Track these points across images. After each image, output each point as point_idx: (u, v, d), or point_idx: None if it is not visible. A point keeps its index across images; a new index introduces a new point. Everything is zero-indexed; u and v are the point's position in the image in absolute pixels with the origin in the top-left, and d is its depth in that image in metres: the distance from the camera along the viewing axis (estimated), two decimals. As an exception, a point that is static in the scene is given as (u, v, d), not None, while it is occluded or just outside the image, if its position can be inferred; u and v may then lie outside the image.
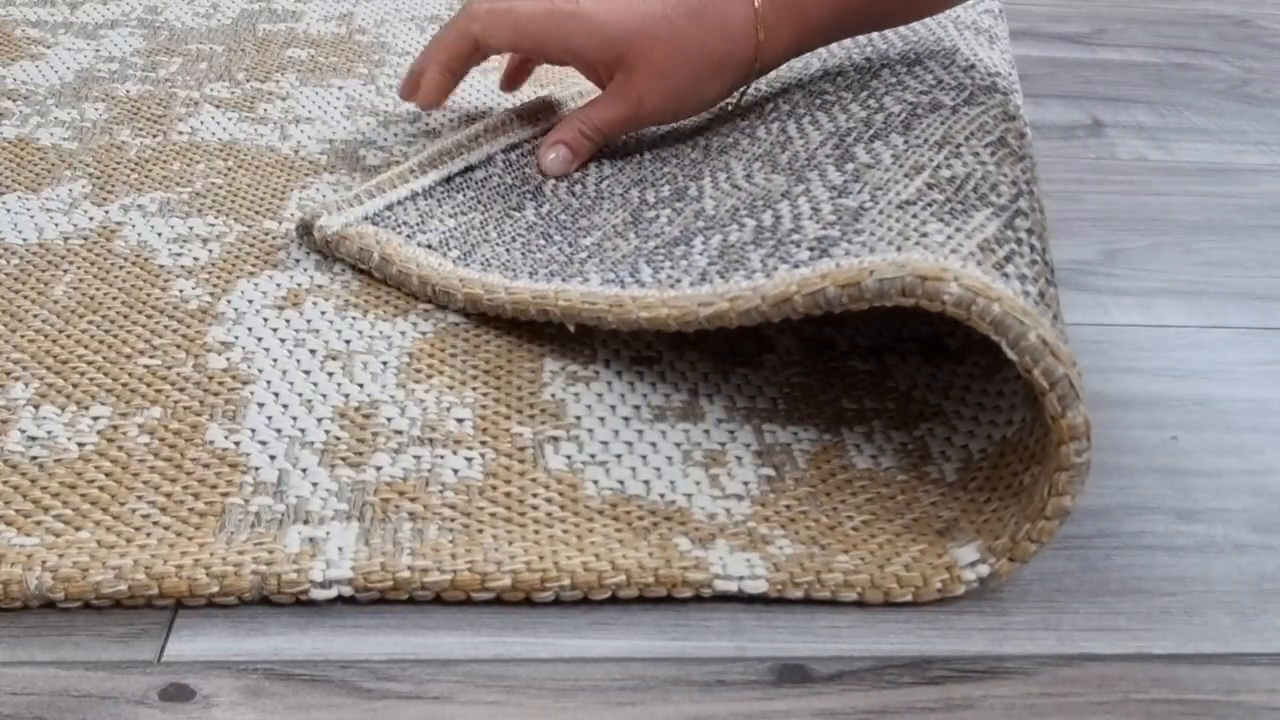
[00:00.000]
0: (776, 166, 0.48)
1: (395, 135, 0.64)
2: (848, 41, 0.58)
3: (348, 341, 0.45)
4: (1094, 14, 0.93)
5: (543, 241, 0.49)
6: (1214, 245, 0.58)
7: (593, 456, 0.40)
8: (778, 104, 0.55)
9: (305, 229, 0.49)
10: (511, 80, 0.63)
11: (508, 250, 0.48)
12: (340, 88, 0.69)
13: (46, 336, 0.44)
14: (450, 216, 0.50)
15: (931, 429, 0.42)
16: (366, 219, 0.49)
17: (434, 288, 0.46)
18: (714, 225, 0.44)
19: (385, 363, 0.44)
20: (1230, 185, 0.65)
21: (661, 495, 0.38)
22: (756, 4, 0.51)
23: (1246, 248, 0.58)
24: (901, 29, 0.58)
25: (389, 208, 0.50)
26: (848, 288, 0.35)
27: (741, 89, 0.55)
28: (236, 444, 0.39)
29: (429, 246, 0.48)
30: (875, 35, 0.58)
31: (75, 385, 0.42)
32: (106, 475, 0.38)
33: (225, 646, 0.33)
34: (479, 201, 0.51)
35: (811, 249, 0.39)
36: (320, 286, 0.49)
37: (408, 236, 0.48)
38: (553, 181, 0.55)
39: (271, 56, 0.74)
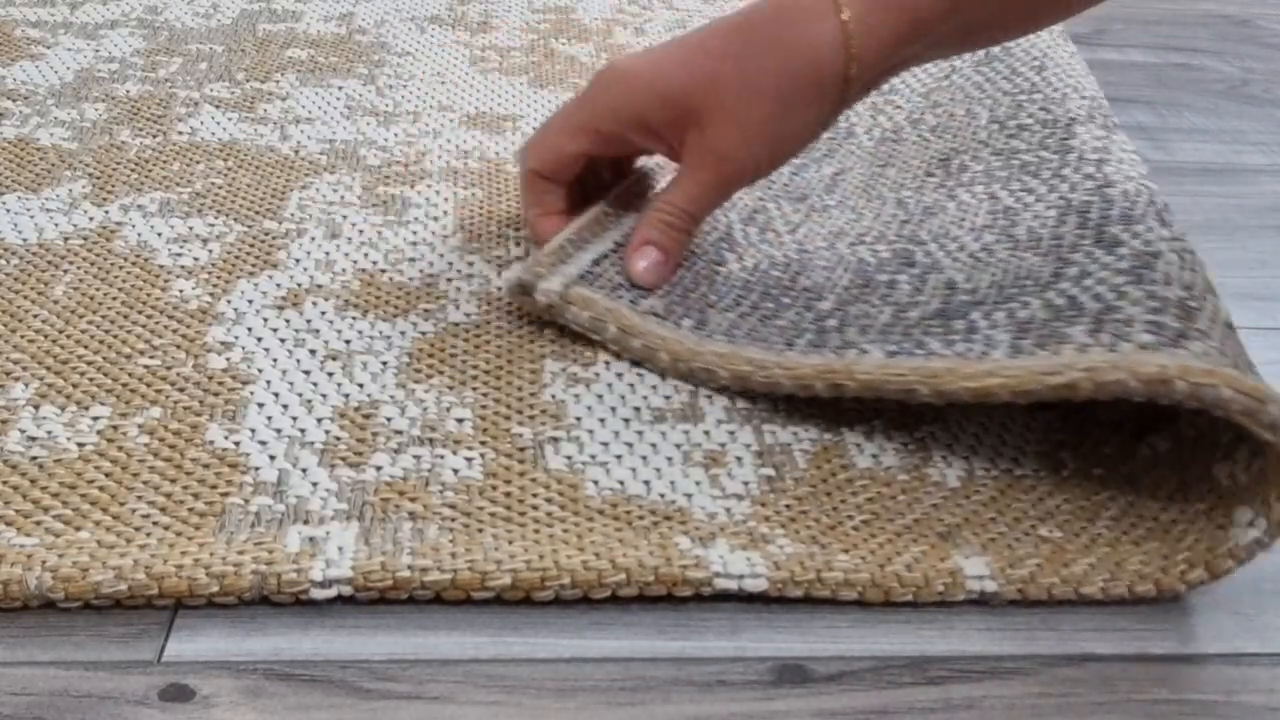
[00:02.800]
0: (1019, 244, 0.46)
1: (395, 135, 0.64)
2: (1006, 85, 0.53)
3: (348, 341, 0.45)
4: (1094, 14, 0.92)
5: (772, 305, 0.46)
6: (1214, 245, 0.58)
7: (593, 457, 0.40)
8: (964, 161, 0.52)
9: (523, 289, 0.45)
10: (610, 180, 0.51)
11: (740, 315, 0.45)
12: (340, 88, 0.69)
13: (46, 336, 0.44)
14: None
15: (933, 431, 0.42)
16: (581, 278, 0.45)
17: (689, 366, 0.43)
18: (986, 301, 0.43)
19: (385, 363, 0.44)
20: (1230, 185, 0.65)
21: (662, 495, 0.38)
22: (844, 15, 0.43)
23: (1246, 248, 0.58)
24: (1036, 61, 0.53)
25: (596, 262, 0.46)
26: (1204, 387, 0.34)
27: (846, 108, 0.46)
28: (236, 444, 0.39)
29: (657, 315, 0.45)
30: (1021, 76, 0.54)
31: (75, 385, 0.42)
32: (106, 475, 0.38)
33: (225, 646, 0.33)
34: None
35: (1151, 332, 0.37)
36: (320, 286, 0.49)
37: (631, 302, 0.45)
38: (740, 227, 0.51)
39: (271, 56, 0.74)
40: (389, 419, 0.41)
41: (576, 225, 0.47)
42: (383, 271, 0.50)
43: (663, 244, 0.46)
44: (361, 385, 0.43)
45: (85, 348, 0.44)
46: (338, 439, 0.40)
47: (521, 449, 0.40)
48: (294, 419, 0.41)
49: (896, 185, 0.55)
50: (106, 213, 0.54)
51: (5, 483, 0.37)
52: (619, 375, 0.44)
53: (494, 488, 0.38)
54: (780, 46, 0.43)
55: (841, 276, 0.47)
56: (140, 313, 0.46)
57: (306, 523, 0.36)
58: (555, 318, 0.45)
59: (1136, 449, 0.41)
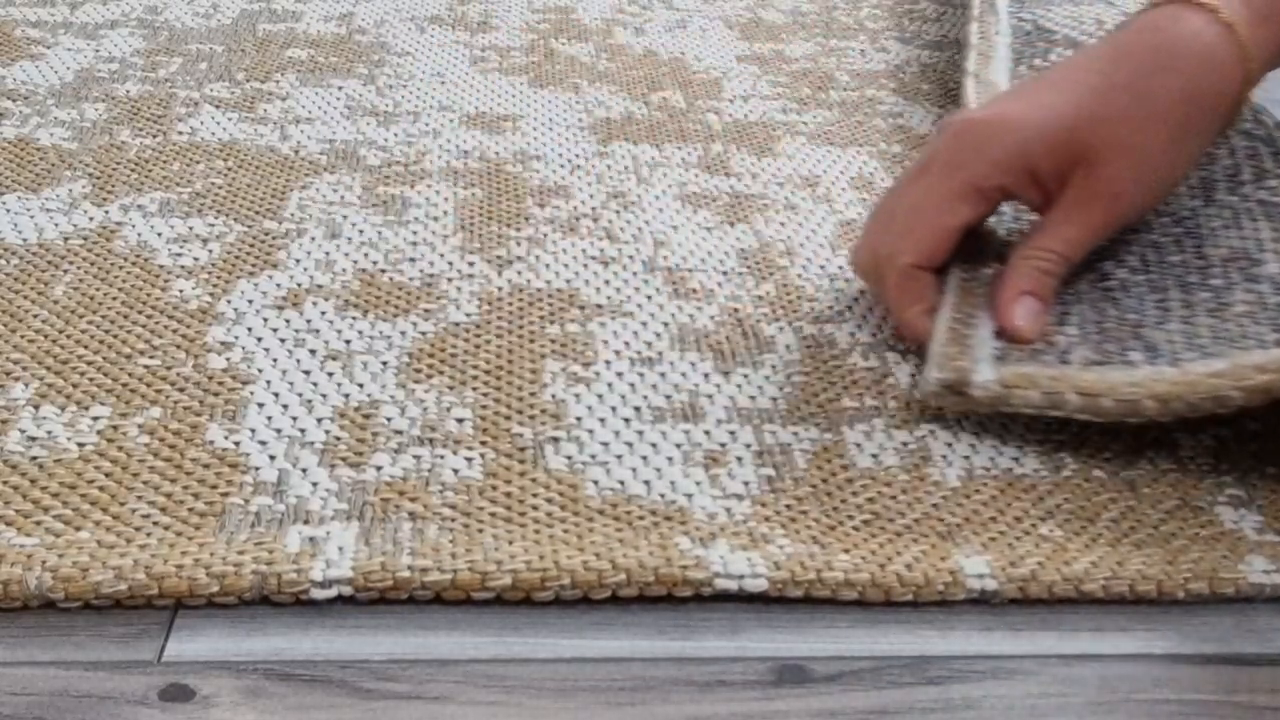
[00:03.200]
0: None
1: (395, 135, 0.64)
2: None
3: (348, 341, 0.45)
4: (1094, 14, 0.92)
5: (1208, 294, 0.42)
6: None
7: (593, 457, 0.40)
8: None
9: (953, 390, 0.41)
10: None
11: (1184, 322, 0.41)
12: (340, 88, 0.70)
13: (46, 336, 0.44)
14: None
15: (934, 430, 0.42)
16: (999, 358, 0.41)
17: (1189, 400, 0.38)
18: None
19: (385, 363, 0.44)
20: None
21: (662, 495, 0.38)
22: (1225, 14, 0.40)
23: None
24: None
25: (997, 335, 0.43)
26: None
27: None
28: (236, 444, 0.39)
29: (1096, 363, 0.41)
30: None
31: (75, 385, 0.42)
32: (106, 475, 0.38)
33: (225, 646, 0.33)
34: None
35: None
36: (320, 286, 0.49)
37: (1063, 363, 0.41)
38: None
39: (271, 56, 0.74)
40: (389, 419, 0.41)
41: (952, 304, 0.44)
42: (383, 271, 0.50)
43: (1040, 293, 0.43)
44: (361, 385, 0.43)
45: (85, 348, 0.44)
46: (338, 439, 0.40)
47: (521, 449, 0.40)
48: (294, 419, 0.41)
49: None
50: (106, 213, 0.54)
51: (5, 483, 0.37)
52: (619, 375, 0.44)
53: (494, 488, 0.38)
54: (1174, 67, 0.40)
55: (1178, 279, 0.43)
56: (140, 313, 0.46)
57: (306, 523, 0.36)
58: (995, 408, 0.41)
59: (1137, 459, 0.41)
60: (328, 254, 0.51)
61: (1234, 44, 0.40)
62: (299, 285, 0.49)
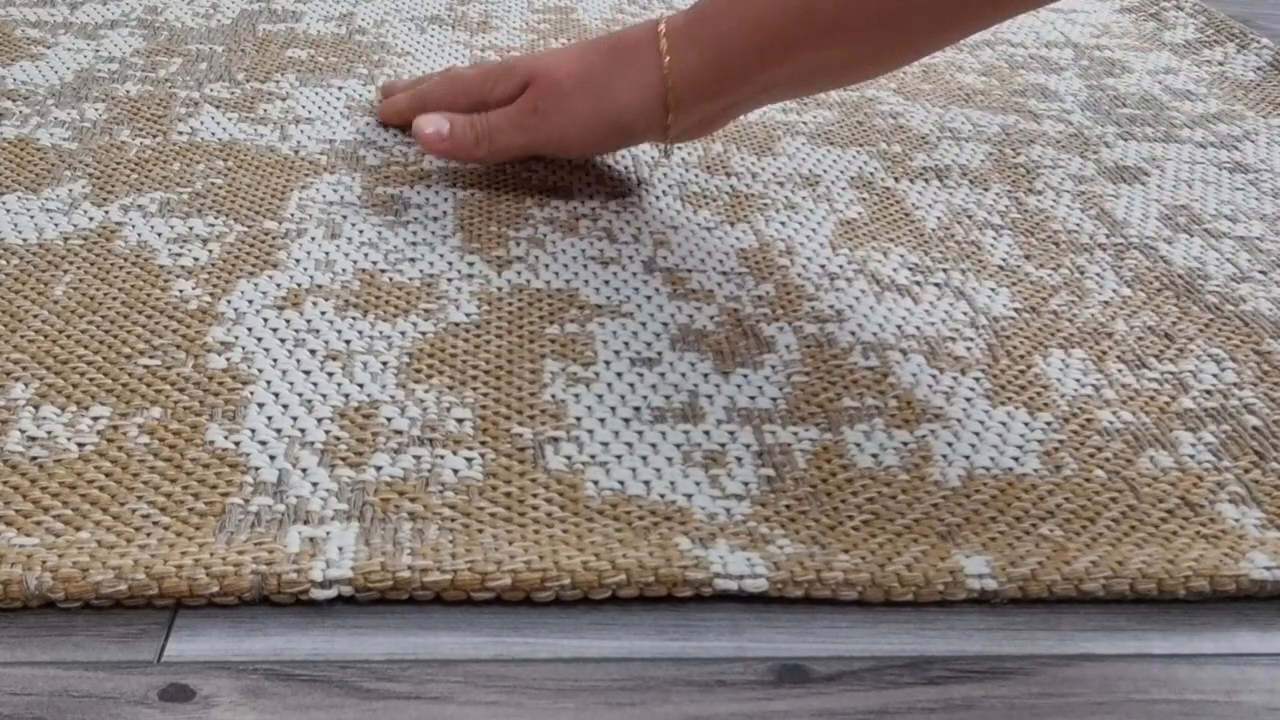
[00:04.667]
0: None
1: (395, 135, 0.64)
2: None
3: (348, 341, 0.45)
4: None
5: None
6: (1214, 245, 0.58)
7: (593, 457, 0.40)
8: None
9: None
10: None
11: None
12: (340, 88, 0.69)
13: (46, 336, 0.44)
14: None
15: (934, 430, 0.42)
16: None
17: None
18: None
19: (385, 363, 0.44)
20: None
21: (662, 495, 0.38)
22: (661, 27, 0.51)
23: (1247, 248, 0.58)
24: None
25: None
26: None
27: (667, 128, 0.53)
28: (236, 444, 0.39)
29: None
30: None
31: (75, 385, 0.42)
32: (106, 475, 0.38)
33: (225, 646, 0.33)
34: None
35: None
36: (320, 286, 0.49)
37: None
38: None
39: (271, 56, 0.74)
40: (389, 419, 0.41)
41: None
42: (383, 271, 0.50)
43: (455, 123, 0.55)
44: (361, 385, 0.43)
45: (85, 348, 0.44)
46: (338, 439, 0.40)
47: (521, 449, 0.40)
48: (294, 419, 0.41)
49: None
50: (106, 213, 0.54)
51: (5, 483, 0.37)
52: (619, 375, 0.44)
53: (494, 488, 0.38)
54: (610, 49, 0.52)
55: None
56: (140, 313, 0.46)
57: (306, 523, 0.36)
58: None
59: (1137, 458, 0.41)
60: (328, 254, 0.51)
61: (654, 37, 0.51)
62: (299, 285, 0.49)
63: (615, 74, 0.51)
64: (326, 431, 0.40)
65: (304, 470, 0.38)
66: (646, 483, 0.39)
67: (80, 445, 0.39)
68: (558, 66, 0.53)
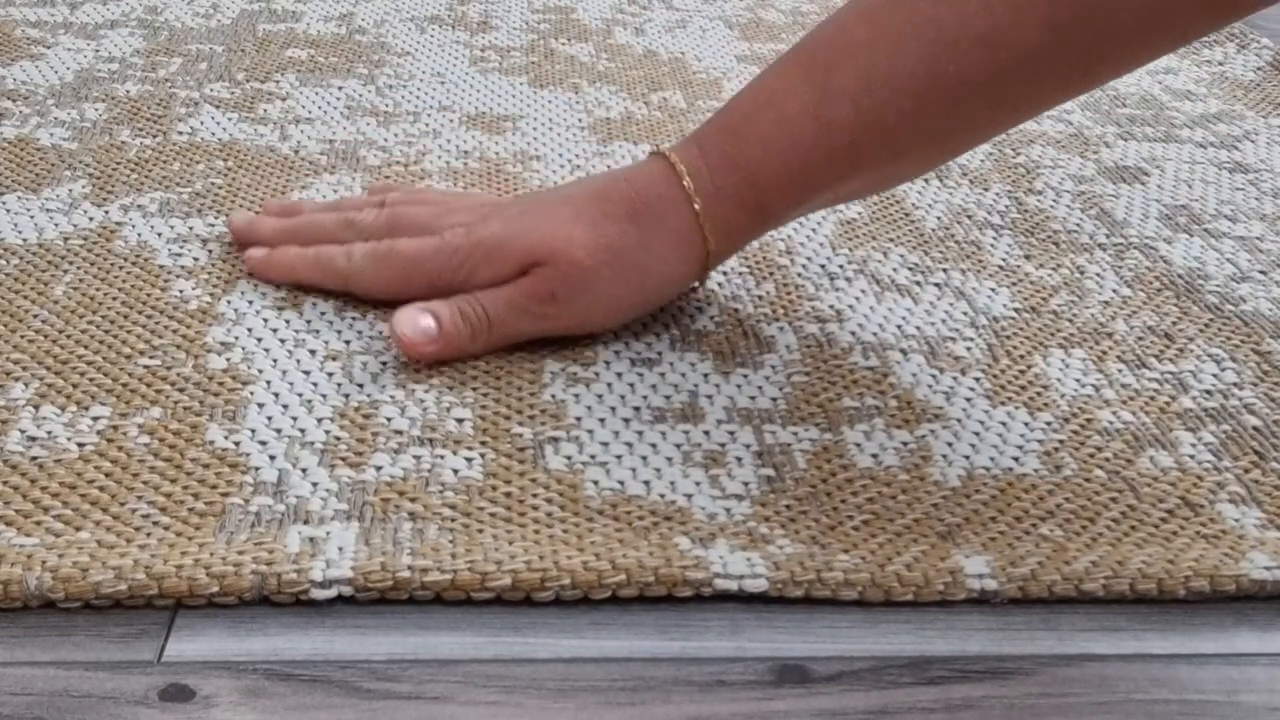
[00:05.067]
0: None
1: (395, 135, 0.64)
2: None
3: (348, 342, 0.45)
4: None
5: None
6: (1214, 245, 0.58)
7: (593, 457, 0.40)
8: None
9: None
10: None
11: None
12: (340, 88, 0.70)
13: (46, 336, 0.44)
14: None
15: (934, 430, 0.42)
16: None
17: None
18: None
19: (385, 363, 0.44)
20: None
21: (662, 495, 0.38)
22: (686, 182, 0.43)
23: (1247, 248, 0.58)
24: None
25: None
26: None
27: (706, 278, 0.47)
28: (236, 444, 0.39)
29: None
30: None
31: (75, 385, 0.42)
32: (106, 475, 0.38)
33: (225, 646, 0.33)
34: None
35: None
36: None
37: None
38: None
39: (271, 56, 0.74)
40: (389, 419, 0.41)
41: None
42: (383, 271, 0.50)
43: (442, 318, 0.44)
44: (361, 385, 0.43)
45: (85, 348, 0.44)
46: (338, 439, 0.40)
47: (521, 449, 0.40)
48: (294, 419, 0.41)
49: None
50: (106, 213, 0.54)
51: (5, 483, 0.37)
52: (619, 375, 0.44)
53: (494, 488, 0.38)
54: (635, 215, 0.44)
55: None
56: (140, 313, 0.46)
57: (306, 523, 0.36)
58: None
59: (1137, 459, 0.41)
60: (328, 254, 0.51)
61: (691, 211, 0.43)
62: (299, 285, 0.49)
63: (646, 246, 0.44)
64: (326, 431, 0.40)
65: (304, 470, 0.38)
66: (646, 483, 0.39)
67: (80, 445, 0.39)
68: (572, 243, 0.43)
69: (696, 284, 0.48)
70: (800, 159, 0.42)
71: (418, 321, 0.43)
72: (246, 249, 0.49)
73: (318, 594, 0.34)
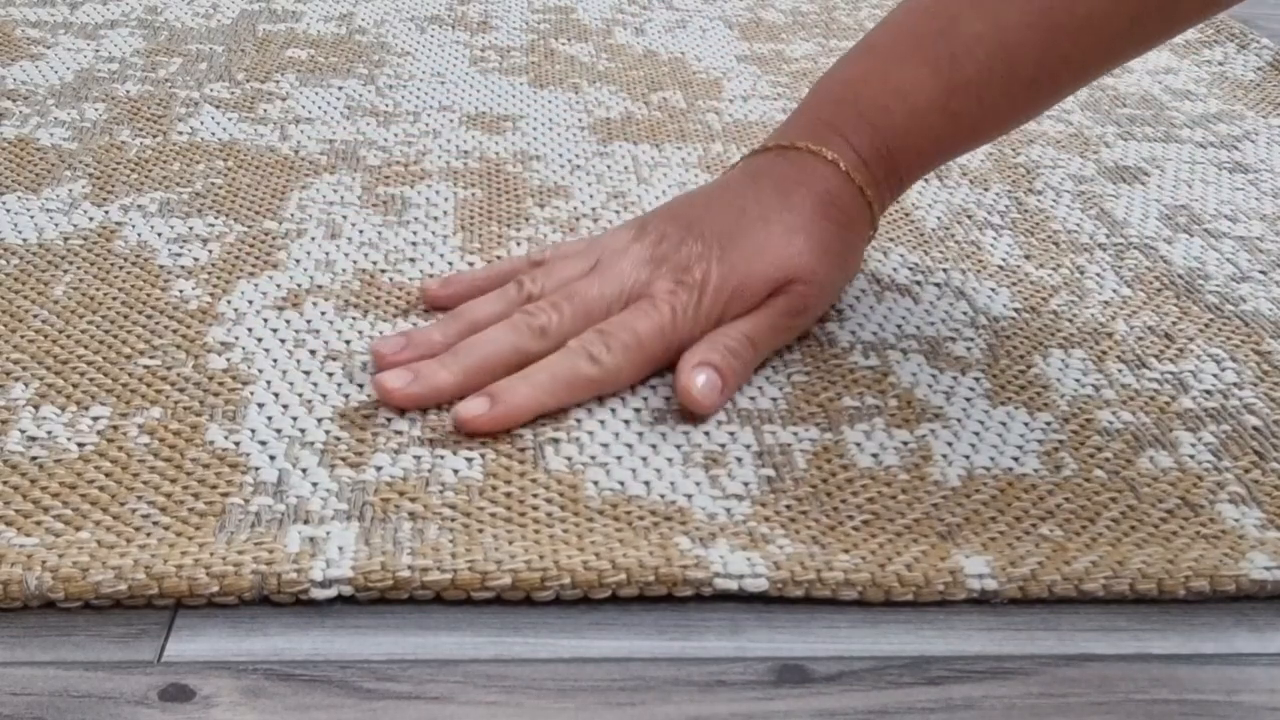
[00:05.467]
0: None
1: (395, 135, 0.64)
2: None
3: (348, 342, 0.45)
4: None
5: None
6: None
7: (593, 458, 0.40)
8: None
9: None
10: None
11: None
12: (340, 88, 0.70)
13: (46, 336, 0.44)
14: None
15: (934, 430, 0.42)
16: None
17: None
18: None
19: (385, 363, 0.44)
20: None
21: (662, 496, 0.38)
22: (868, 194, 0.47)
23: (1247, 248, 0.58)
24: None
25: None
26: None
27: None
28: (236, 444, 0.39)
29: None
30: None
31: (75, 385, 0.42)
32: (106, 475, 0.38)
33: (225, 646, 0.33)
34: None
35: None
36: (320, 286, 0.49)
37: None
38: None
39: (271, 56, 0.74)
40: (389, 419, 0.41)
41: None
42: (383, 271, 0.50)
43: (722, 368, 0.42)
44: (361, 385, 0.43)
45: (85, 348, 0.44)
46: (338, 439, 0.40)
47: (521, 449, 0.40)
48: (294, 419, 0.41)
49: None
50: (106, 213, 0.54)
51: (5, 483, 0.37)
52: (619, 375, 0.44)
53: (494, 488, 0.38)
54: (831, 217, 0.47)
55: None
56: (140, 313, 0.46)
57: (306, 523, 0.36)
58: None
59: (1137, 458, 0.41)
60: (328, 254, 0.51)
61: (863, 199, 0.47)
62: (299, 285, 0.49)
63: (844, 237, 0.47)
64: (326, 431, 0.40)
65: (304, 470, 0.38)
66: (647, 483, 0.39)
67: (80, 445, 0.39)
68: (807, 257, 0.45)
69: None
70: (933, 145, 0.48)
71: (704, 381, 0.42)
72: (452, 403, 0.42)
73: (318, 594, 0.34)
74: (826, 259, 0.46)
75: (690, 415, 0.42)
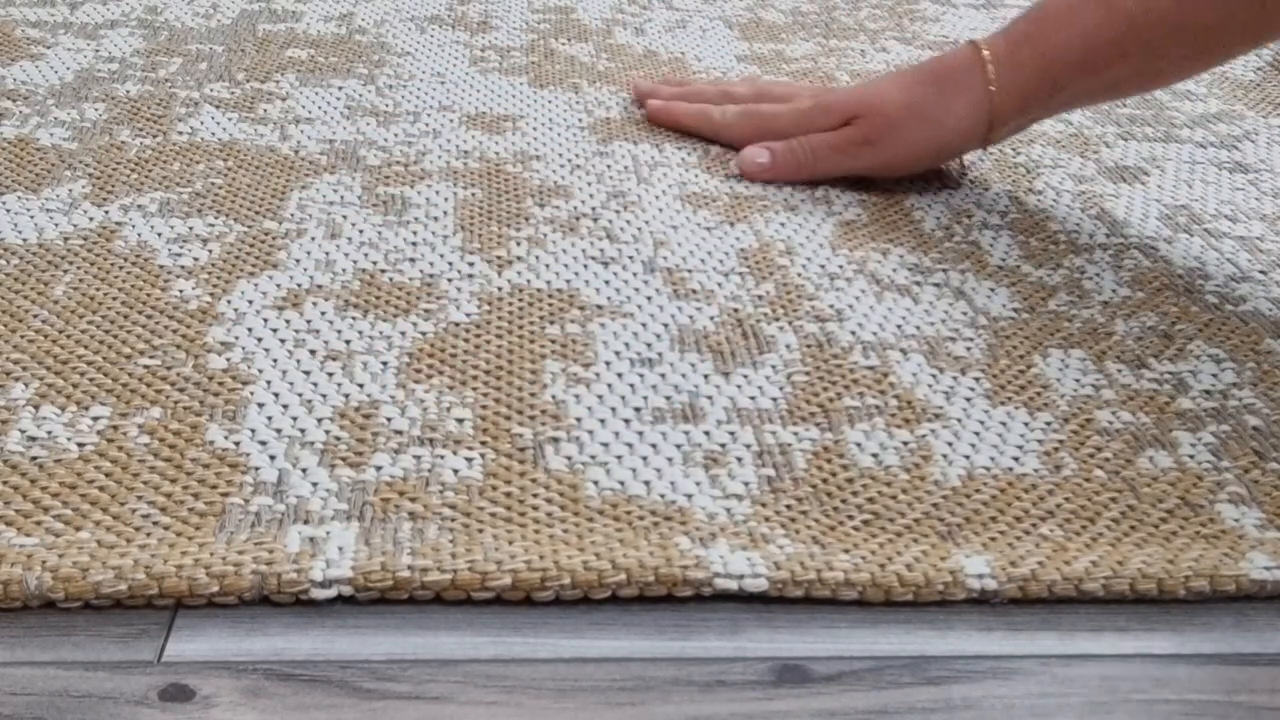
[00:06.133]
0: None
1: (395, 135, 0.64)
2: None
3: (348, 341, 0.45)
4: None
5: None
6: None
7: (593, 457, 0.40)
8: None
9: None
10: None
11: None
12: (340, 88, 0.70)
13: (46, 336, 0.44)
14: None
15: (934, 430, 0.42)
16: None
17: None
18: None
19: (385, 363, 0.44)
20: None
21: (662, 495, 0.38)
22: (985, 53, 0.54)
23: (1247, 248, 0.58)
24: None
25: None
26: None
27: (988, 142, 0.58)
28: (236, 444, 0.39)
29: None
30: None
31: (75, 385, 0.42)
32: (106, 475, 0.38)
33: (225, 646, 0.33)
34: None
35: None
36: (320, 286, 0.49)
37: None
38: None
39: (271, 56, 0.74)
40: (389, 419, 0.41)
41: None
42: (383, 271, 0.50)
43: (776, 151, 0.59)
44: (361, 385, 0.43)
45: (85, 348, 0.44)
46: (338, 439, 0.40)
47: (521, 449, 0.40)
48: (294, 419, 0.41)
49: None
50: (106, 213, 0.54)
51: (5, 483, 0.37)
52: (619, 375, 0.44)
53: (494, 488, 0.38)
54: (936, 77, 0.56)
55: None
56: (140, 313, 0.46)
57: (306, 523, 0.36)
58: None
59: (1137, 458, 0.41)
60: (328, 254, 0.51)
61: (982, 75, 0.55)
62: (299, 285, 0.49)
63: (943, 103, 0.55)
64: (326, 431, 0.40)
65: (304, 470, 0.38)
66: (647, 483, 0.39)
67: (80, 445, 0.39)
68: (885, 100, 0.57)
69: (979, 150, 0.60)
70: (1086, 38, 0.52)
71: (756, 153, 0.60)
72: (644, 103, 0.67)
73: (318, 594, 0.34)
74: (903, 107, 0.56)
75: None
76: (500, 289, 0.50)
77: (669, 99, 0.66)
